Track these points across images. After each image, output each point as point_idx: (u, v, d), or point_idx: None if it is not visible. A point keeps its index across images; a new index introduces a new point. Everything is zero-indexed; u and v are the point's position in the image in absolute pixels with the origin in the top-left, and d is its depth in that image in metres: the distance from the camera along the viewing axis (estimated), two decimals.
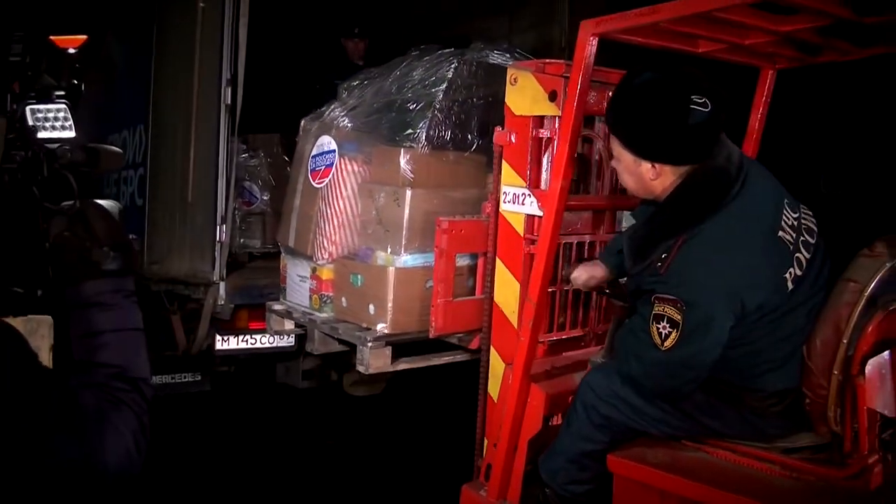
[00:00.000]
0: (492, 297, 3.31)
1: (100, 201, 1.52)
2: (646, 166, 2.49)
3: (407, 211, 3.65)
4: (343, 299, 3.95)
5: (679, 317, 2.35)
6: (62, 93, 1.62)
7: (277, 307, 4.52)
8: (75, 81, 1.66)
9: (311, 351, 4.35)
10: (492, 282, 3.31)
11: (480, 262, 3.61)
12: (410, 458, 5.15)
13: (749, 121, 3.31)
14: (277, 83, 6.71)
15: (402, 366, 3.90)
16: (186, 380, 5.53)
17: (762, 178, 2.54)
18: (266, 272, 5.19)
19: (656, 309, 2.41)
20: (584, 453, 2.78)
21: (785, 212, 2.49)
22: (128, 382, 1.38)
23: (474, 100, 3.83)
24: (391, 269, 3.66)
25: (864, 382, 2.36)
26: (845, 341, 2.39)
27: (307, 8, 7.07)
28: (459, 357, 3.97)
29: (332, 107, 4.25)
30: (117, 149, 1.70)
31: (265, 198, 5.82)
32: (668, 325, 2.38)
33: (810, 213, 2.62)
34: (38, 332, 3.00)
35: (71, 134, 1.59)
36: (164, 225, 5.16)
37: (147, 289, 5.32)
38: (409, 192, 3.65)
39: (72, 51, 1.65)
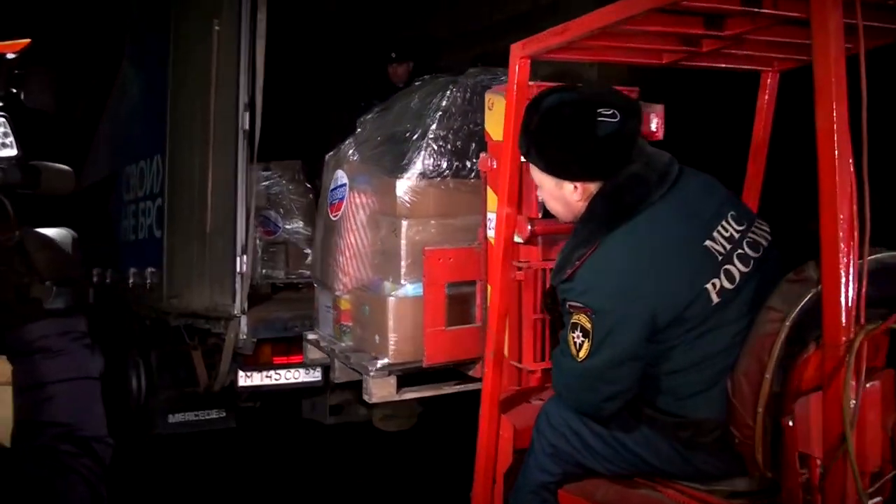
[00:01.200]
0: (487, 279, 3.28)
1: (48, 230, 1.28)
2: (567, 188, 2.48)
3: (403, 241, 3.68)
4: (358, 329, 4.00)
5: (589, 325, 2.30)
6: None
7: (311, 336, 4.50)
8: (14, 90, 1.42)
9: (334, 380, 4.29)
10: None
11: (478, 288, 3.63)
12: (441, 495, 4.88)
13: (753, 128, 3.14)
14: (301, 109, 6.55)
15: (408, 395, 3.89)
16: (210, 417, 5.42)
17: (699, 187, 2.46)
18: (290, 304, 5.08)
19: (572, 318, 2.36)
20: (541, 485, 2.70)
21: (724, 223, 2.38)
22: (77, 444, 1.15)
23: (471, 126, 3.81)
24: (391, 300, 3.69)
25: (792, 424, 2.08)
26: (768, 376, 2.12)
27: (342, 31, 6.91)
28: (470, 386, 3.88)
29: (349, 140, 4.25)
30: (66, 167, 1.46)
31: (287, 226, 5.72)
32: (580, 335, 2.33)
33: (767, 229, 2.49)
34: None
35: (12, 152, 1.35)
36: (183, 257, 5.05)
37: (166, 323, 5.26)
38: (404, 223, 3.67)
39: (10, 56, 1.38)
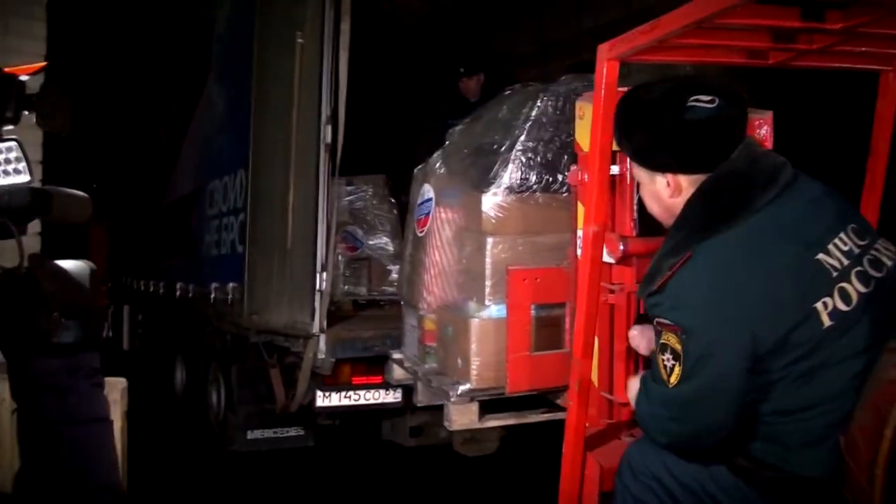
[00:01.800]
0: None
1: (63, 261, 1.15)
2: (661, 182, 2.25)
3: (489, 259, 3.49)
4: (441, 351, 3.84)
5: (679, 346, 2.04)
6: (11, 126, 1.27)
7: (396, 356, 4.35)
8: (26, 112, 1.30)
9: (416, 403, 4.13)
10: (574, 332, 2.96)
11: (567, 311, 3.41)
12: None
13: (871, 136, 2.83)
14: (385, 122, 6.48)
15: (491, 423, 3.71)
16: (289, 434, 5.39)
17: (815, 195, 2.17)
18: (372, 322, 4.96)
19: (662, 338, 2.10)
20: None
21: (842, 235, 2.08)
22: (87, 495, 0.99)
23: (563, 137, 3.57)
24: (474, 321, 3.50)
25: None
26: (888, 432, 1.74)
27: (427, 44, 6.80)
28: (559, 415, 3.60)
29: (437, 153, 4.09)
30: (82, 194, 1.33)
31: (371, 242, 5.65)
32: (670, 357, 2.07)
33: (893, 249, 2.16)
34: (111, 397, 2.72)
35: (24, 178, 1.22)
36: (263, 273, 5.01)
37: (246, 339, 5.24)
38: (489, 240, 3.49)
39: (24, 78, 1.28)
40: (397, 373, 4.32)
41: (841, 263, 2.03)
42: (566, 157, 3.52)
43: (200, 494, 5.17)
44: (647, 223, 2.71)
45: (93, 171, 10.42)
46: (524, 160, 3.53)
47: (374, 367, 4.78)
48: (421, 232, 3.98)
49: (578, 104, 3.01)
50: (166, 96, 7.63)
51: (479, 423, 3.64)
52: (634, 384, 2.38)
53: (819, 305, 1.99)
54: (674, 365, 2.05)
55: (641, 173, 2.32)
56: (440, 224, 3.84)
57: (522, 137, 3.56)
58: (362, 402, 4.90)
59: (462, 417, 3.58)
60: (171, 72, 7.49)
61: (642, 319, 2.62)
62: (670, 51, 2.42)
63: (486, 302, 3.49)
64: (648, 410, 2.22)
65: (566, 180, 3.42)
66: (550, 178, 3.56)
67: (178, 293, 6.77)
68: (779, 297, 2.00)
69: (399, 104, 6.79)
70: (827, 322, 1.99)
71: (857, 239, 2.09)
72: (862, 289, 2.03)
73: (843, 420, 1.95)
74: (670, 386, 2.08)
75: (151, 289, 8.00)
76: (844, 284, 2.02)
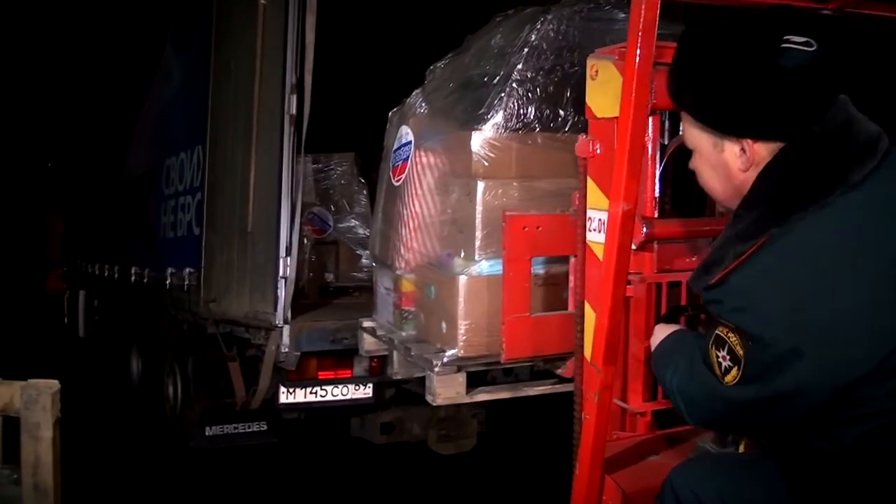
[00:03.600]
0: (583, 313, 2.66)
1: None
2: (731, 150, 1.78)
3: (479, 207, 3.11)
4: (422, 315, 3.47)
5: (742, 352, 1.64)
6: None
7: (367, 324, 3.97)
8: None
9: (392, 375, 3.85)
10: (582, 293, 2.66)
11: (571, 265, 2.99)
12: None
13: None
14: (356, 94, 6.10)
15: (481, 397, 3.37)
16: (251, 430, 5.09)
17: None
18: (340, 311, 4.68)
19: (719, 329, 1.70)
20: None
21: None
22: None
23: (566, 67, 3.16)
24: (462, 279, 3.13)
25: None
26: None
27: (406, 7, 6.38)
28: (558, 388, 3.35)
29: (415, 91, 3.68)
30: None
31: (339, 225, 5.38)
32: (728, 357, 1.67)
33: None
34: (39, 403, 2.34)
35: None
36: (222, 258, 4.73)
37: (203, 330, 4.95)
38: (480, 185, 3.11)
39: None
40: (368, 343, 3.94)
41: None
42: (569, 90, 3.15)
43: (155, 493, 4.90)
44: (669, 202, 2.38)
45: (47, 149, 10.02)
46: (521, 93, 3.13)
47: (342, 360, 4.55)
48: (397, 181, 3.60)
49: (590, 62, 2.60)
50: (121, 68, 7.24)
51: (467, 397, 3.29)
52: (663, 330, 2.05)
53: None
54: (731, 367, 1.67)
55: (703, 138, 1.84)
56: (420, 170, 3.46)
57: (519, 66, 3.16)
58: (329, 398, 4.62)
59: (447, 390, 3.22)
60: (126, 42, 7.11)
61: (669, 318, 2.25)
62: None
63: (476, 256, 3.13)
64: (687, 389, 1.84)
65: (570, 117, 3.11)
66: (550, 114, 3.17)
67: (133, 278, 6.46)
68: (881, 308, 1.60)
69: (372, 74, 6.39)
70: None
71: None
72: None
73: None
74: (724, 383, 1.70)
75: (107, 273, 7.67)
76: None
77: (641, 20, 1.95)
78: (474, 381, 3.29)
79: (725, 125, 1.76)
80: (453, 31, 3.71)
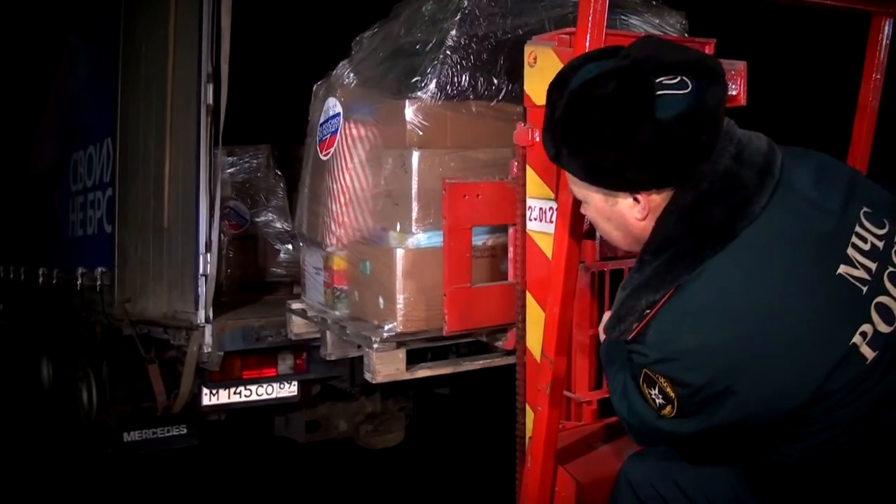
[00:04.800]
0: (525, 283, 2.66)
1: None
2: (623, 203, 1.71)
3: (415, 178, 3.04)
4: (356, 293, 3.38)
5: (673, 394, 1.63)
6: None
7: (296, 306, 3.87)
8: None
9: (325, 356, 3.71)
10: (523, 263, 2.66)
11: (511, 234, 2.97)
12: None
13: (861, 87, 2.54)
14: (273, 83, 5.95)
15: (422, 373, 3.30)
16: (170, 434, 4.87)
17: (810, 180, 1.68)
18: (263, 308, 4.54)
19: (647, 369, 1.67)
20: None
21: (858, 230, 1.65)
22: None
23: (499, 34, 3.12)
24: (399, 252, 3.07)
25: None
26: None
27: None
28: (498, 361, 3.35)
29: (342, 63, 3.57)
30: None
31: (257, 219, 5.24)
32: (660, 396, 1.65)
33: None
34: None
35: None
36: (136, 256, 4.54)
37: (118, 332, 4.73)
38: (416, 154, 3.04)
39: None
40: (298, 325, 3.85)
41: (868, 272, 1.61)
42: (502, 58, 3.10)
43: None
44: None
45: None
46: (455, 60, 3.06)
47: (266, 358, 4.41)
48: (325, 155, 3.49)
49: (529, 49, 2.54)
50: (22, 58, 6.93)
51: (408, 374, 3.23)
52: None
53: (857, 339, 1.57)
54: (665, 404, 1.63)
55: (592, 193, 1.75)
56: (351, 142, 3.36)
57: (453, 32, 3.08)
58: (254, 397, 4.49)
59: (387, 367, 3.15)
60: (30, 26, 6.80)
61: None
62: None
63: (413, 229, 3.07)
64: (626, 419, 1.79)
65: (504, 86, 3.07)
66: (484, 82, 3.12)
67: (41, 279, 6.17)
68: (804, 337, 1.56)
69: (290, 62, 6.22)
70: (870, 355, 1.57)
71: (876, 227, 1.66)
72: None
73: None
74: (659, 415, 1.66)
75: (12, 275, 7.36)
76: (882, 298, 1.60)
77: (592, 7, 1.89)
78: (412, 362, 3.25)
79: (616, 185, 1.68)
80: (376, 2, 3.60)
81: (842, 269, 1.59)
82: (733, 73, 2.40)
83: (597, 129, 1.61)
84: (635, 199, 1.67)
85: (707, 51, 2.46)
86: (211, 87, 3.87)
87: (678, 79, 1.58)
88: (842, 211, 1.64)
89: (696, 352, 1.57)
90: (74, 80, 5.63)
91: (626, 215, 1.71)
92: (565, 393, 2.54)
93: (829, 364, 1.55)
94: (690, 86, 1.57)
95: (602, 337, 1.97)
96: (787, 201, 1.62)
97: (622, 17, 3.07)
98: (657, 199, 1.66)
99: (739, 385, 1.55)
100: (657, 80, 1.57)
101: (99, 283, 4.82)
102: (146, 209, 4.40)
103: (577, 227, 2.10)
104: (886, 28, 2.47)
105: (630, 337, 1.65)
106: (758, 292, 1.56)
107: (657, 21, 3.13)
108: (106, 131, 4.80)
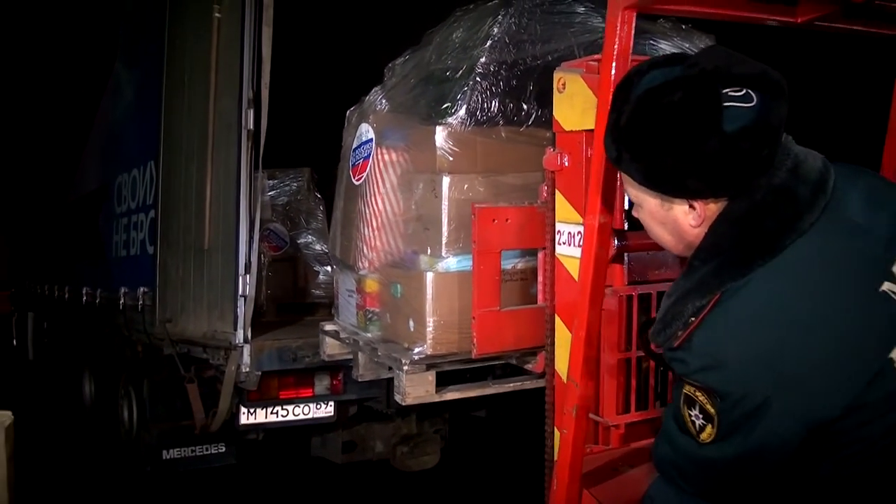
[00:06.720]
0: (553, 307, 2.68)
1: None
2: (679, 209, 1.72)
3: (445, 203, 3.06)
4: (387, 315, 3.40)
5: (713, 410, 1.61)
6: None
7: (329, 327, 3.90)
8: None
9: (357, 377, 3.73)
10: (552, 286, 2.69)
11: (541, 258, 2.97)
12: None
13: (891, 110, 2.45)
14: (311, 108, 6.03)
15: (451, 395, 3.31)
16: (209, 452, 4.95)
17: (863, 199, 1.69)
18: (300, 329, 4.56)
19: (686, 389, 1.66)
20: None
21: None
22: None
23: (528, 60, 3.15)
24: (429, 276, 3.08)
25: None
26: None
27: (363, 21, 6.30)
28: (528, 384, 3.35)
29: (375, 89, 3.62)
30: None
31: (297, 241, 5.28)
32: (700, 416, 1.64)
33: None
34: None
35: None
36: (178, 276, 4.59)
37: (159, 351, 4.80)
38: (446, 179, 3.06)
39: None
40: (331, 346, 3.87)
41: None
42: (532, 84, 3.13)
43: None
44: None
45: None
46: (485, 86, 3.10)
47: (303, 378, 4.43)
48: (358, 179, 3.52)
49: (557, 74, 2.58)
50: (71, 82, 7.07)
51: (437, 396, 3.24)
52: None
53: (894, 354, 1.57)
54: (705, 425, 1.64)
55: (648, 198, 1.77)
56: (383, 167, 3.39)
57: (483, 59, 3.12)
58: (291, 417, 4.51)
59: (416, 389, 3.16)
60: (75, 55, 6.94)
61: (643, 330, 2.22)
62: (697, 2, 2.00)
63: (443, 253, 3.08)
64: (673, 460, 1.79)
65: (534, 111, 3.10)
66: (514, 108, 3.15)
67: (84, 299, 6.27)
68: (844, 351, 1.58)
69: (329, 88, 6.30)
70: None
71: None
72: None
73: None
74: (700, 441, 1.67)
75: (57, 294, 7.47)
76: None
77: (618, 34, 1.91)
78: (443, 384, 3.26)
79: (675, 191, 1.70)
80: (409, 31, 3.65)
81: (886, 286, 1.59)
82: None
83: (662, 137, 1.63)
84: (691, 206, 1.69)
85: None
86: (252, 113, 3.92)
87: (744, 91, 1.59)
88: (889, 232, 1.65)
89: (737, 360, 1.58)
90: (119, 106, 5.74)
91: (681, 221, 1.72)
92: (592, 416, 2.54)
93: (865, 374, 1.55)
94: (755, 99, 1.59)
95: (651, 344, 1.99)
96: (837, 219, 1.63)
97: (651, 41, 3.08)
98: (713, 208, 1.67)
99: (775, 397, 1.55)
100: (724, 92, 1.59)
101: (141, 302, 4.90)
102: (188, 231, 4.45)
103: (604, 250, 2.11)
104: None
105: (676, 344, 1.66)
106: (801, 304, 1.57)
107: (687, 45, 3.13)
108: (150, 155, 4.88)
